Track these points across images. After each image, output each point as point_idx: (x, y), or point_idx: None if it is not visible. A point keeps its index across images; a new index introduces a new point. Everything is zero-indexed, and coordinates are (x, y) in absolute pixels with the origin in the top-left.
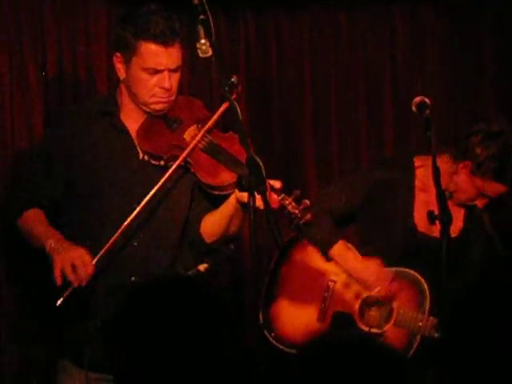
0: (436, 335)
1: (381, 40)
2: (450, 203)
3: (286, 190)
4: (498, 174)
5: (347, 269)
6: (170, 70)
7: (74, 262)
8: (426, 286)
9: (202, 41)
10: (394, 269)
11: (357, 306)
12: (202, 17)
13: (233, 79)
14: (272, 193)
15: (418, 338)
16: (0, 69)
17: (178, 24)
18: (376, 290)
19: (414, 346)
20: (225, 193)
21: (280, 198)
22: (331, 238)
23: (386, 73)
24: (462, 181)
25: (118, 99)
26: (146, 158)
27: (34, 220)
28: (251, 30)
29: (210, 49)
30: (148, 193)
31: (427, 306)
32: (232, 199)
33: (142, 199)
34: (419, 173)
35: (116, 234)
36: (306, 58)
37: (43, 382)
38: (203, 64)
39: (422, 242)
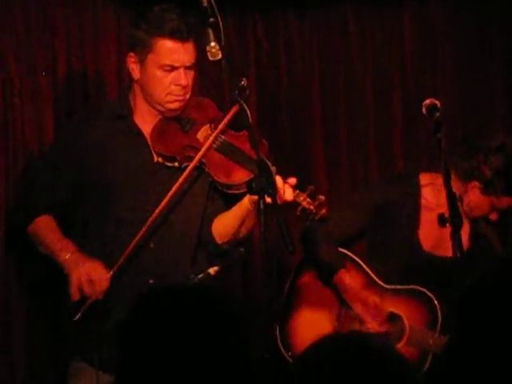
0: None
1: (389, 43)
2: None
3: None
4: (509, 189)
5: (345, 298)
6: (186, 67)
7: (90, 277)
8: (436, 303)
9: (212, 44)
10: (404, 287)
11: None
12: (211, 20)
13: (242, 82)
14: (287, 187)
15: (430, 356)
16: (10, 72)
17: (193, 20)
18: (368, 325)
19: (426, 365)
20: (240, 191)
21: (295, 194)
22: (334, 265)
23: (395, 75)
24: (473, 201)
25: (131, 102)
26: (160, 160)
27: (46, 227)
28: (260, 32)
29: (219, 52)
30: (163, 195)
31: (438, 324)
32: (245, 200)
33: (158, 201)
34: (425, 191)
35: (134, 241)
36: (315, 60)
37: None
38: (213, 66)
39: (428, 261)
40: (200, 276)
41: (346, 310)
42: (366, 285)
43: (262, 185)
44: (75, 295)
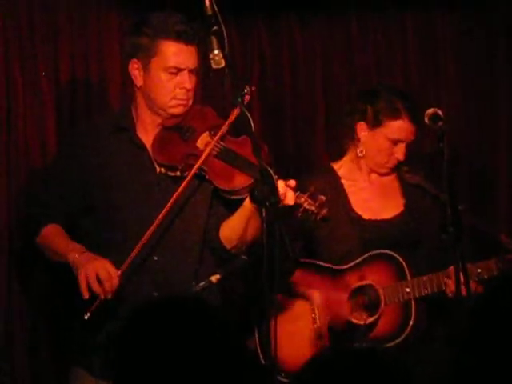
0: (427, 292)
1: (392, 46)
2: (382, 183)
3: None
4: (389, 111)
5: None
6: (190, 71)
7: (99, 274)
8: (394, 254)
9: (216, 51)
10: (359, 259)
11: (346, 309)
12: (215, 28)
13: (246, 90)
14: (288, 190)
15: (413, 304)
16: (13, 78)
17: (196, 25)
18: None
19: (412, 314)
20: (241, 196)
21: (296, 196)
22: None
23: (398, 79)
24: (366, 142)
25: (133, 114)
26: (162, 170)
27: (54, 235)
28: (264, 38)
29: (222, 60)
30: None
31: (405, 270)
32: (247, 202)
33: (161, 212)
34: (341, 173)
35: (139, 245)
36: (318, 67)
37: None
38: (216, 74)
39: (375, 228)
40: (202, 284)
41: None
42: (324, 277)
43: (265, 193)
44: (85, 293)
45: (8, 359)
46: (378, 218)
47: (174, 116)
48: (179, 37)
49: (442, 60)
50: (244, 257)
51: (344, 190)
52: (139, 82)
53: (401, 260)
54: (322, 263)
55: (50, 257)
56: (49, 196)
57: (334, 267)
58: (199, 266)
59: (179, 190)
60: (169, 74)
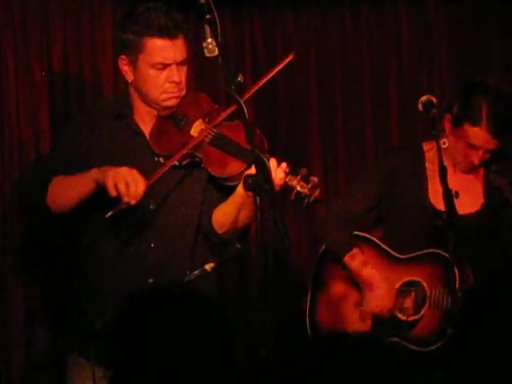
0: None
1: (386, 39)
2: (465, 177)
3: None
4: (470, 115)
5: (356, 278)
6: (178, 63)
7: (126, 179)
8: (451, 260)
9: (209, 40)
10: (418, 253)
11: (393, 300)
12: (208, 16)
13: (239, 78)
14: (279, 171)
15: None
16: (6, 71)
17: (180, 17)
18: (373, 305)
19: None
20: (236, 183)
21: (287, 178)
22: (345, 248)
23: (392, 73)
24: (448, 136)
25: (130, 101)
26: (161, 160)
27: (63, 177)
28: (257, 28)
29: (216, 48)
30: (166, 193)
31: (456, 281)
32: (240, 188)
33: (160, 200)
34: (428, 156)
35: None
36: (311, 56)
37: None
38: (210, 61)
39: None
40: (196, 272)
41: (363, 293)
42: (381, 260)
43: (259, 181)
44: (112, 191)
45: (4, 349)
46: None
47: (167, 108)
48: (162, 32)
49: (437, 53)
50: (238, 245)
51: (425, 174)
52: (129, 77)
53: (455, 267)
54: (383, 245)
55: (66, 201)
56: (54, 156)
57: (393, 253)
58: (194, 253)
59: (165, 167)
60: (156, 69)
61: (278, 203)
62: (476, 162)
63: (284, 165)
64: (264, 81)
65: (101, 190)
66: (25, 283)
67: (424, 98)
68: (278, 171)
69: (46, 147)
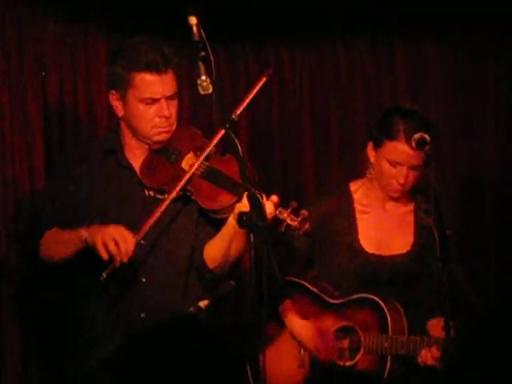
0: (403, 352)
1: (381, 76)
2: (397, 216)
3: None
4: (388, 131)
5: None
6: (167, 98)
7: (115, 237)
8: (384, 306)
9: (203, 77)
10: (351, 297)
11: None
12: (202, 54)
13: (233, 116)
14: (269, 204)
15: (389, 360)
16: (0, 105)
17: (168, 50)
18: (321, 356)
19: (387, 369)
20: (226, 215)
21: (278, 211)
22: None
23: (387, 103)
24: (373, 163)
25: (120, 137)
26: (151, 194)
27: (55, 231)
28: (251, 63)
29: (210, 86)
30: (157, 227)
31: (389, 326)
32: (230, 220)
33: (151, 233)
34: (356, 196)
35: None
36: (305, 91)
37: None
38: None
39: (375, 262)
40: (190, 309)
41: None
42: (314, 308)
43: (253, 219)
44: (103, 254)
45: None
46: (382, 253)
47: (158, 142)
48: (150, 67)
49: (431, 89)
50: (232, 282)
51: (354, 216)
52: (120, 112)
53: (387, 313)
54: (316, 290)
55: (58, 255)
56: (42, 217)
57: (326, 298)
58: (187, 287)
59: (161, 207)
60: (146, 104)
61: (269, 238)
62: (401, 180)
63: (274, 197)
64: (245, 104)
65: (90, 247)
66: (19, 327)
67: (417, 136)
68: (268, 204)
69: (40, 183)
